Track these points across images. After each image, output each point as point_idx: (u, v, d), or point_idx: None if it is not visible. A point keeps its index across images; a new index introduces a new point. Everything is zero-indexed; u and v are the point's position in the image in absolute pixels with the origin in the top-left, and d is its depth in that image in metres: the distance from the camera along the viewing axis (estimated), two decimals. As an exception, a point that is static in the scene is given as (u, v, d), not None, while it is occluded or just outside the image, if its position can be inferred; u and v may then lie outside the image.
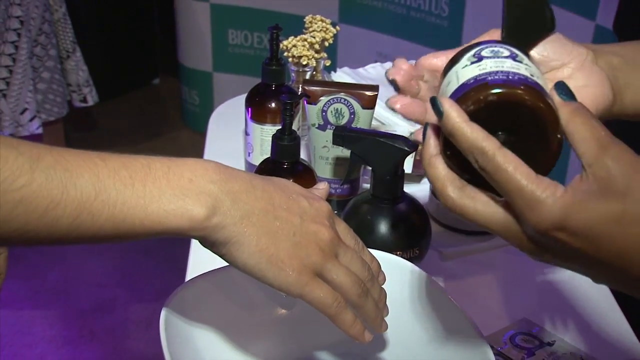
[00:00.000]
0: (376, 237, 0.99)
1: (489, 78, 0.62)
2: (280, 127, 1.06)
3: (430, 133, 0.65)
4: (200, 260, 1.04)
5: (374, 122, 1.18)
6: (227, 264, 0.73)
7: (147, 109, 3.73)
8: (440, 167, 0.63)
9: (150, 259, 2.68)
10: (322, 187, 0.82)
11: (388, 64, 1.50)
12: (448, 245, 1.14)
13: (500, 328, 0.97)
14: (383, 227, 0.99)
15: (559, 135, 0.60)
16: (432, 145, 0.64)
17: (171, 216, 0.67)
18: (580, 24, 2.41)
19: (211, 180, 0.69)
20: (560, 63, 0.74)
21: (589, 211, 0.57)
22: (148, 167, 0.67)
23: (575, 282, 1.10)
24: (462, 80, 0.64)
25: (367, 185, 1.11)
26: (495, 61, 0.64)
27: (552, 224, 0.57)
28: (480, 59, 0.65)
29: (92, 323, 2.41)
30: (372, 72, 1.47)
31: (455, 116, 0.60)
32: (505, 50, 0.65)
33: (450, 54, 0.73)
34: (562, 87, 0.61)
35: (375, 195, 1.01)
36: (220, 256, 0.72)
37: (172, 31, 3.34)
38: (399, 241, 0.99)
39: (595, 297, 1.06)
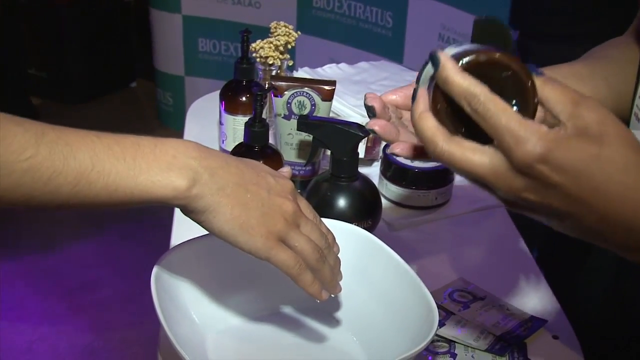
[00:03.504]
0: (335, 210, 1.01)
1: (475, 48, 0.63)
2: (251, 117, 1.09)
3: (420, 93, 0.65)
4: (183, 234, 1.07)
5: (330, 114, 1.22)
6: (206, 232, 0.76)
7: (125, 109, 3.73)
8: (430, 120, 0.63)
9: (128, 243, 2.68)
10: (285, 170, 0.86)
11: (343, 65, 1.54)
12: (395, 218, 1.18)
13: (440, 286, 1.01)
14: (341, 202, 1.02)
15: (536, 100, 0.61)
16: (422, 103, 0.64)
17: (157, 186, 0.69)
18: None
19: (192, 157, 0.71)
20: None
21: (571, 149, 0.58)
22: (137, 144, 0.70)
23: (503, 249, 1.15)
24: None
25: (326, 168, 1.14)
26: (472, 44, 0.65)
27: (538, 155, 0.57)
28: (459, 45, 0.65)
29: (79, 298, 2.41)
30: (329, 72, 1.51)
31: (451, 66, 0.61)
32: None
33: (404, 90, 0.77)
34: (532, 67, 0.62)
35: (334, 175, 1.03)
36: (199, 223, 0.74)
37: (149, 40, 3.35)
38: (355, 213, 1.02)
39: (519, 260, 1.11)
